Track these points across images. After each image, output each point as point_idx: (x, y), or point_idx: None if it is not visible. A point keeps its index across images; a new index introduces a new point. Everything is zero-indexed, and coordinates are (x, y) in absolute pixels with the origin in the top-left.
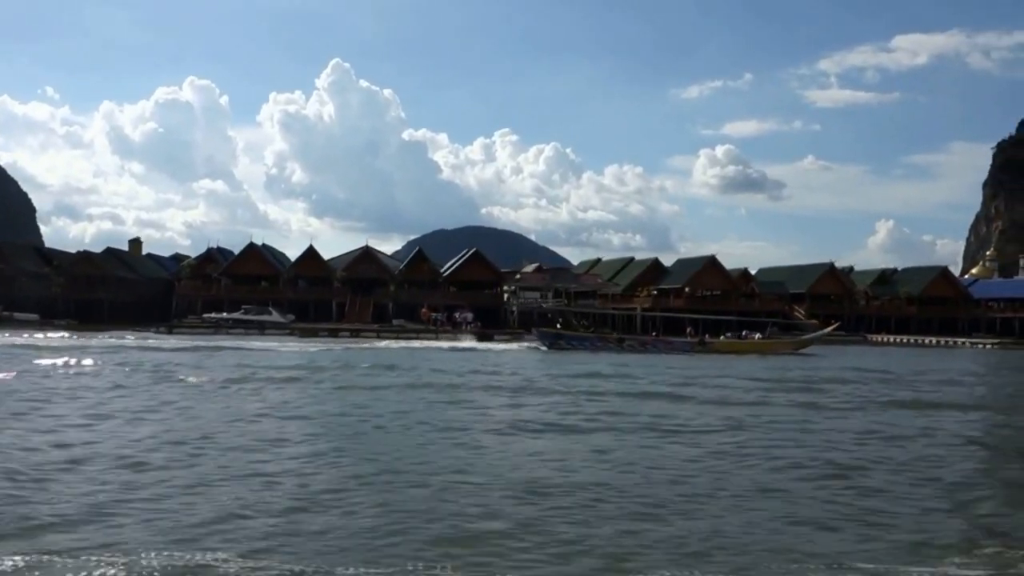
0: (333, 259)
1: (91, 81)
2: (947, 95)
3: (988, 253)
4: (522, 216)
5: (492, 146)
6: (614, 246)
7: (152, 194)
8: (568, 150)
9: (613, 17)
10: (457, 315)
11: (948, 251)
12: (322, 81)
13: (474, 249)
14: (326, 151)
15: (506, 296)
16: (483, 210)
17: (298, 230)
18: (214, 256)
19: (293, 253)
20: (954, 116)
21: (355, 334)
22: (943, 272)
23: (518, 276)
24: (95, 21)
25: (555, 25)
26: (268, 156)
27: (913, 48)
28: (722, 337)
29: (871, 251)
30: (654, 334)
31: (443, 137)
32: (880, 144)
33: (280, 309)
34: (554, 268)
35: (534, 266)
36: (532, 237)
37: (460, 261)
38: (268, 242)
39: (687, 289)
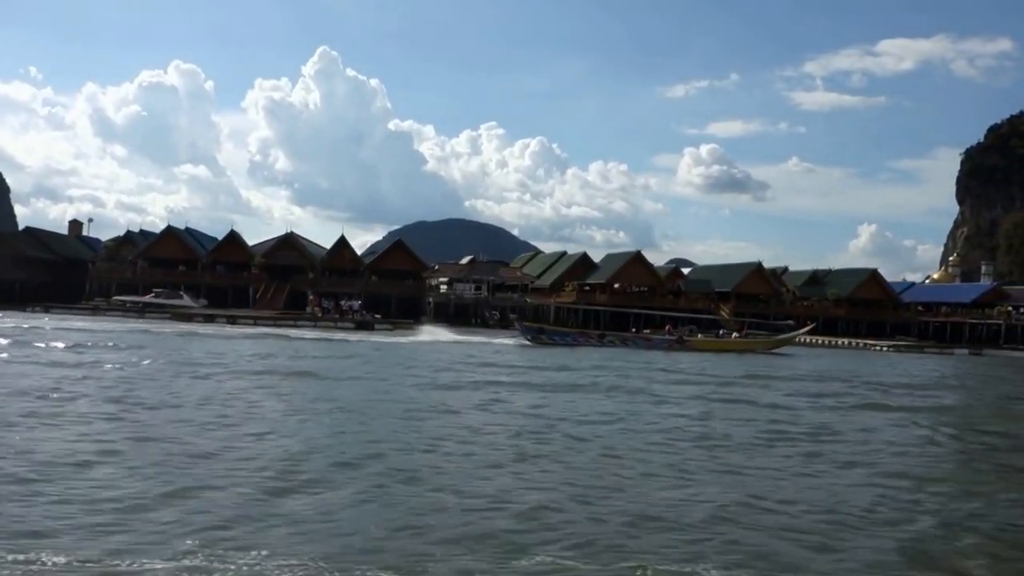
0: (255, 244)
1: (74, 62)
2: (932, 101)
3: (951, 259)
4: (505, 210)
5: (478, 139)
6: (597, 243)
7: (133, 178)
8: (554, 145)
9: (601, 14)
10: (343, 303)
11: (929, 256)
12: (308, 69)
13: (397, 239)
14: (311, 139)
15: (444, 287)
16: (467, 203)
17: (280, 218)
18: (133, 239)
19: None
20: (939, 122)
21: (232, 320)
22: (873, 274)
23: (435, 267)
24: (80, 1)
25: (544, 20)
26: (252, 143)
27: (899, 53)
28: (701, 336)
29: (852, 255)
30: (634, 330)
31: (429, 129)
32: (865, 148)
33: (192, 294)
34: (480, 261)
35: (468, 258)
36: (515, 232)
37: (384, 250)
38: (250, 230)
39: (616, 285)
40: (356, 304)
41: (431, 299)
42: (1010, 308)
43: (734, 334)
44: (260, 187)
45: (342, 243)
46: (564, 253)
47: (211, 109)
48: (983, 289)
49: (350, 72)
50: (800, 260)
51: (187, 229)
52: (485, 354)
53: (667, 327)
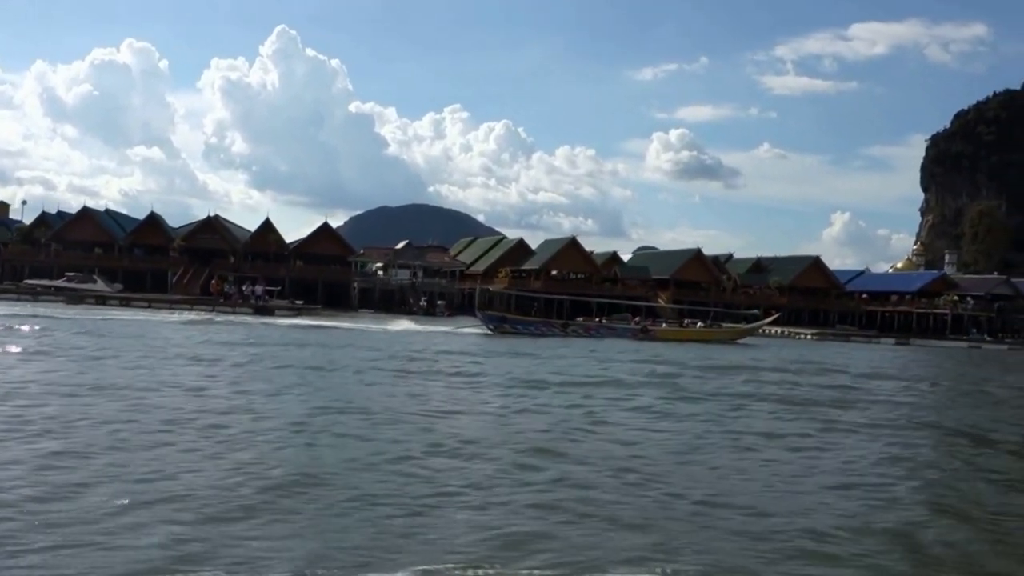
0: (177, 229)
1: (23, 39)
2: (905, 86)
3: (914, 247)
4: (470, 196)
5: (442, 122)
6: (565, 230)
7: (85, 160)
8: (520, 129)
9: None
10: (245, 287)
11: (903, 246)
12: (266, 48)
13: (324, 221)
14: (269, 121)
15: (380, 273)
16: (430, 188)
17: (239, 202)
18: (48, 220)
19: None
20: (912, 108)
21: (125, 303)
22: (815, 262)
23: (361, 252)
24: None
25: (509, 1)
26: (208, 124)
27: (871, 37)
28: (664, 325)
29: (826, 243)
30: (598, 320)
31: (391, 111)
32: (838, 134)
33: (107, 278)
34: (408, 247)
35: (403, 243)
36: (480, 218)
37: (308, 234)
38: (207, 214)
39: (555, 272)
40: (259, 289)
41: (356, 284)
42: (956, 297)
43: (698, 323)
44: (217, 170)
45: (267, 227)
46: (503, 238)
47: (165, 89)
48: (929, 278)
49: (309, 52)
50: (772, 249)
51: (107, 211)
52: (372, 342)
53: (634, 318)
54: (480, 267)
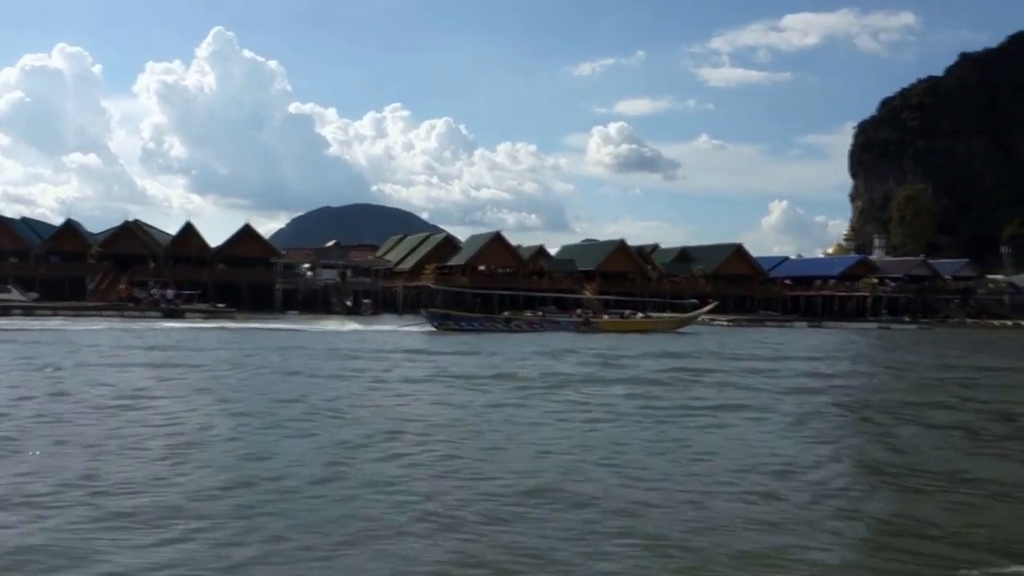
0: (96, 235)
1: None
2: (837, 76)
3: (844, 233)
4: (414, 194)
5: (383, 121)
6: (509, 225)
7: (20, 168)
8: (461, 126)
9: None
10: (154, 291)
11: (839, 231)
12: (203, 50)
13: (245, 223)
14: (207, 124)
15: (309, 274)
16: (373, 187)
17: (179, 207)
18: None
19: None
20: (844, 97)
21: (29, 312)
22: (738, 250)
23: (284, 253)
24: None
25: None
26: (145, 129)
27: (803, 28)
28: (606, 317)
29: (765, 232)
30: (540, 314)
31: (331, 112)
32: (774, 124)
33: (22, 287)
34: (329, 246)
35: (332, 243)
36: (424, 216)
37: (230, 236)
38: (147, 220)
39: (483, 267)
40: (169, 292)
41: (279, 286)
42: (876, 280)
43: (639, 315)
44: (156, 175)
45: (188, 230)
46: (429, 235)
47: (100, 94)
48: (850, 262)
49: (247, 53)
50: (713, 238)
51: (23, 219)
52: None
53: (576, 311)
54: (408, 264)
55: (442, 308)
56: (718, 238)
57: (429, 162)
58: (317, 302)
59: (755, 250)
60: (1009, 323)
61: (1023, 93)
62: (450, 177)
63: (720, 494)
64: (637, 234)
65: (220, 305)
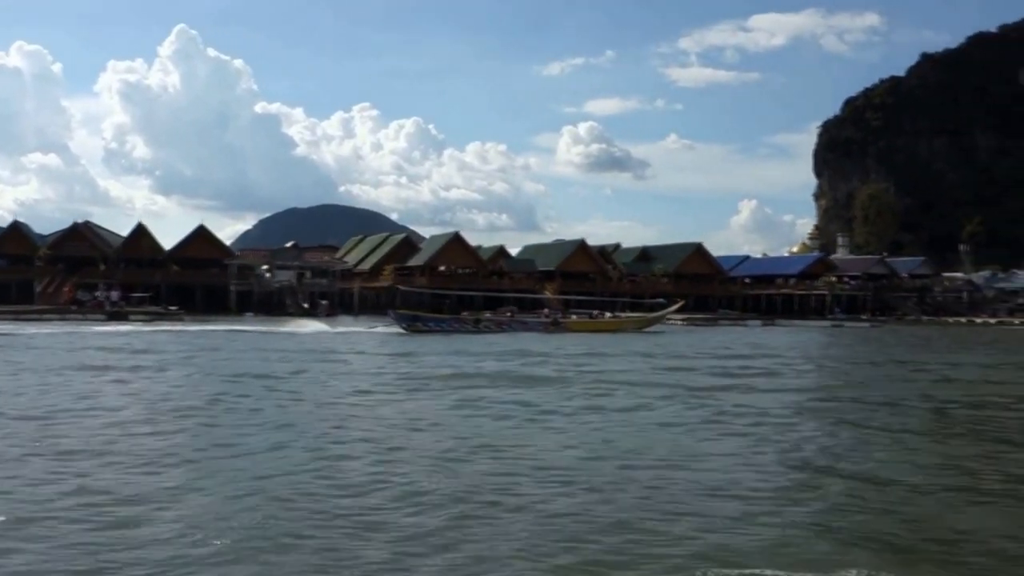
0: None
1: None
2: (804, 76)
3: (809, 232)
4: (383, 194)
5: (351, 121)
6: (480, 226)
7: None
8: (430, 126)
9: None
10: (99, 293)
11: (807, 230)
12: (166, 49)
13: (199, 224)
14: (171, 124)
15: (268, 275)
16: (341, 188)
17: (143, 208)
18: None
19: None
20: (810, 97)
21: None
22: (698, 249)
23: (238, 254)
24: None
25: None
26: (107, 129)
27: (770, 28)
28: (574, 317)
29: (734, 231)
30: (509, 314)
31: (298, 111)
32: (743, 124)
33: None
34: (285, 247)
35: (291, 243)
36: (393, 216)
37: (184, 238)
38: (109, 222)
39: (443, 267)
40: (114, 295)
41: (233, 287)
42: (834, 279)
43: (607, 314)
44: (118, 176)
45: (140, 231)
46: (389, 236)
47: (60, 93)
48: (809, 261)
49: (211, 52)
50: (684, 238)
51: None
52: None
53: (544, 311)
54: (367, 265)
55: (402, 309)
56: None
57: (398, 162)
58: (272, 304)
59: (725, 249)
60: (963, 320)
61: (982, 93)
62: (419, 177)
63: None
64: (608, 234)
65: (172, 308)
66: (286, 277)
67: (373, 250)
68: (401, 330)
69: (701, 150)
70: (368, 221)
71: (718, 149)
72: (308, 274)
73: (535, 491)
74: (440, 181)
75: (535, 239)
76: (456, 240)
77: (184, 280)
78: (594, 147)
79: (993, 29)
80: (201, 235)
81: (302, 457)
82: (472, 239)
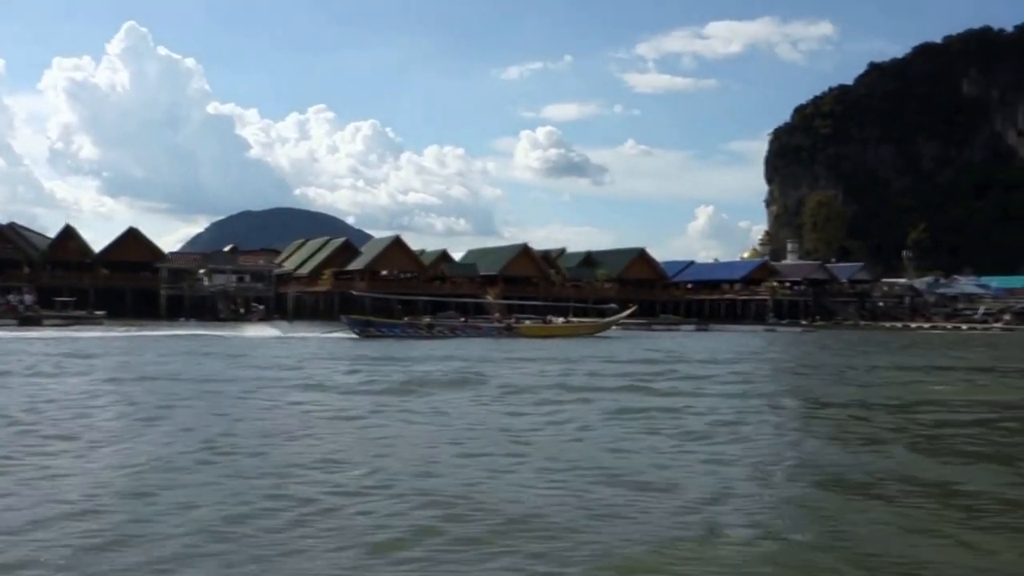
0: None
1: None
2: (759, 83)
3: (760, 238)
4: (339, 198)
5: (306, 123)
6: (438, 231)
7: None
8: (387, 129)
9: None
10: (11, 297)
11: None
12: (114, 47)
13: (129, 227)
14: (120, 124)
15: (206, 280)
16: (296, 191)
17: (91, 210)
18: None
19: (88, 236)
20: (766, 104)
21: None
22: (641, 254)
23: (170, 257)
24: None
25: None
26: (52, 128)
27: (726, 35)
28: (528, 322)
29: (691, 237)
30: (463, 320)
31: (252, 112)
32: (700, 130)
33: None
34: (219, 251)
35: (229, 247)
36: (350, 220)
37: (115, 240)
38: (56, 225)
39: (385, 272)
40: (28, 298)
41: (163, 292)
42: (775, 284)
43: (560, 319)
44: (64, 177)
45: (67, 233)
46: (329, 240)
47: (3, 91)
48: (752, 266)
49: (162, 51)
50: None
51: None
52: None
53: (495, 315)
54: (306, 269)
55: (354, 314)
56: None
57: (355, 165)
58: (205, 308)
59: (683, 254)
60: (899, 325)
61: (927, 102)
62: (376, 181)
63: None
64: (566, 238)
65: (98, 312)
66: (223, 281)
67: (313, 254)
68: (354, 335)
69: (659, 156)
70: (324, 225)
71: (675, 155)
72: (248, 278)
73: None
74: (398, 185)
75: (494, 244)
76: (397, 244)
77: (114, 284)
78: (552, 152)
79: (938, 40)
80: (132, 237)
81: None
82: (431, 243)
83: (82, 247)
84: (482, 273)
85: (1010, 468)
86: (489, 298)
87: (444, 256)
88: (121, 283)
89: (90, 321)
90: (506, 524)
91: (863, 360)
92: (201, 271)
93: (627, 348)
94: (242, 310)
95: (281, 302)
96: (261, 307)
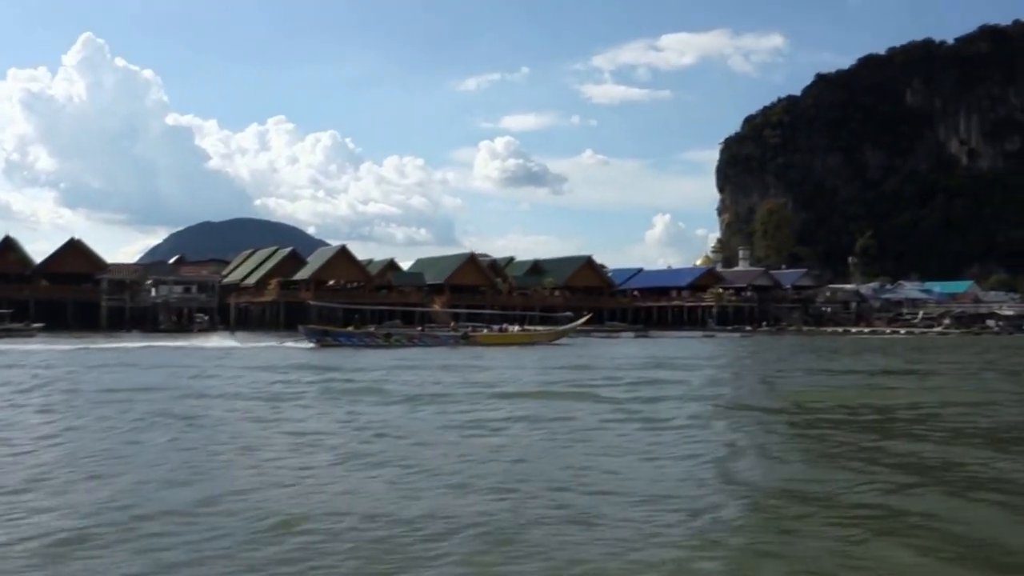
0: None
1: None
2: (713, 94)
3: (712, 245)
4: (300, 208)
5: (266, 134)
6: (398, 240)
7: None
8: (347, 140)
9: (388, 3)
10: None
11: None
12: (71, 57)
13: (69, 238)
14: (77, 135)
15: (154, 291)
16: (256, 201)
17: (48, 222)
18: None
19: (45, 247)
20: (719, 115)
21: None
22: (588, 262)
23: (108, 268)
24: None
25: (330, 8)
26: (7, 139)
27: (680, 47)
28: (486, 331)
29: (649, 245)
30: (420, 329)
31: (212, 123)
32: (656, 140)
33: None
34: (160, 262)
35: (175, 258)
36: (311, 231)
37: (55, 251)
38: (13, 235)
39: (332, 281)
40: None
41: (104, 303)
42: (721, 290)
43: (515, 328)
44: (20, 188)
45: (6, 245)
46: (276, 250)
47: None
48: (698, 273)
49: (119, 62)
50: (601, 252)
51: None
52: None
53: (451, 324)
54: (252, 280)
55: (285, 323)
56: (606, 252)
57: (315, 176)
58: (146, 320)
59: (641, 262)
60: (840, 330)
61: (872, 113)
62: (337, 191)
63: None
64: (526, 248)
65: (36, 325)
66: (166, 292)
67: (261, 264)
68: (311, 344)
69: (616, 165)
70: (284, 235)
71: (632, 164)
72: (195, 289)
73: None
74: (358, 195)
75: (454, 253)
76: (342, 253)
77: (54, 296)
78: (511, 162)
79: (882, 52)
80: (73, 248)
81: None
82: (391, 254)
83: (22, 258)
84: (429, 282)
85: (815, 467)
86: (435, 307)
87: (391, 265)
88: (61, 295)
89: (24, 334)
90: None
91: (773, 366)
92: (148, 282)
93: (555, 355)
94: (185, 321)
95: (225, 312)
96: (205, 318)
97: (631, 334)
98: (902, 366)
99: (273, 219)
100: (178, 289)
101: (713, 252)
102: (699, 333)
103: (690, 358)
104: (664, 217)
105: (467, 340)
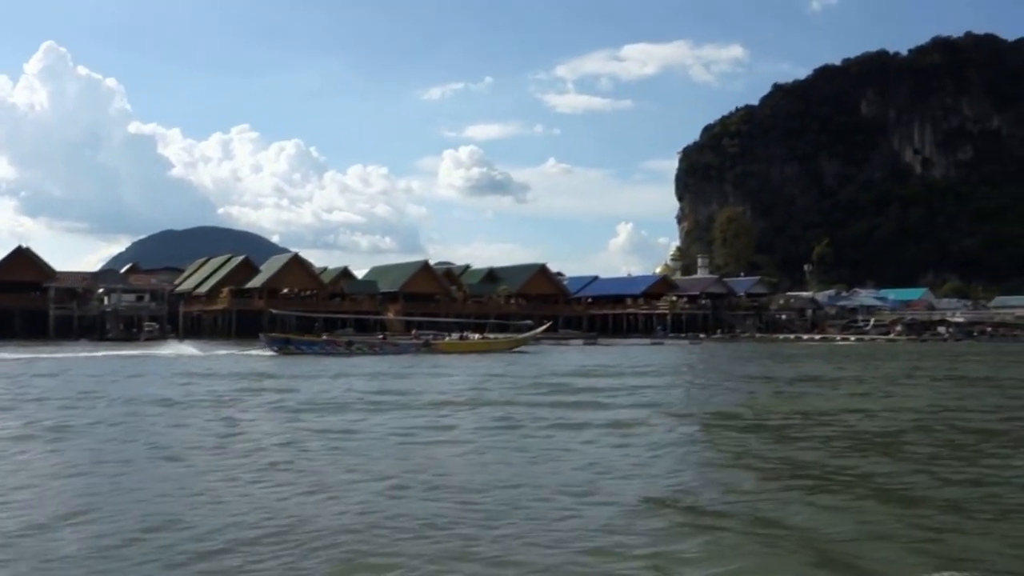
0: None
1: None
2: (674, 104)
3: (671, 253)
4: (263, 216)
5: (229, 142)
6: (363, 248)
7: None
8: (311, 148)
9: (351, 13)
10: None
11: None
12: (32, 66)
13: (17, 246)
14: (38, 144)
15: (106, 300)
16: (220, 210)
17: (8, 230)
18: None
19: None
20: (681, 124)
21: None
22: (542, 270)
23: (56, 276)
24: None
25: (293, 18)
26: None
27: (642, 58)
28: (447, 338)
29: (613, 253)
30: (381, 336)
31: (175, 132)
32: (618, 149)
33: None
34: (108, 270)
35: (127, 266)
36: (275, 239)
37: (2, 259)
38: None
39: (286, 290)
40: None
41: (52, 312)
42: (675, 298)
43: (476, 335)
44: None
45: None
46: (229, 258)
47: None
48: (651, 281)
49: (81, 70)
50: (564, 260)
51: None
52: None
53: (412, 332)
54: (205, 288)
55: (236, 331)
56: (570, 260)
57: (279, 184)
58: (95, 328)
59: (605, 270)
60: (792, 337)
61: (828, 122)
62: (301, 199)
63: None
64: (490, 256)
65: None
66: (116, 300)
67: (214, 272)
68: (272, 352)
69: (579, 174)
70: (248, 243)
71: (595, 173)
72: (147, 297)
73: None
74: (322, 203)
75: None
76: (295, 262)
77: (2, 304)
78: (475, 171)
79: (837, 62)
80: (21, 257)
81: None
82: (356, 262)
83: None
84: (383, 290)
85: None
86: (389, 315)
87: (345, 273)
88: (9, 304)
89: None
90: None
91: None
92: (99, 291)
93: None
94: (134, 329)
95: (175, 320)
96: (155, 326)
97: (580, 342)
98: (830, 373)
99: (237, 227)
100: (129, 297)
101: (672, 260)
102: (648, 341)
103: (620, 367)
104: (627, 225)
105: (429, 348)
